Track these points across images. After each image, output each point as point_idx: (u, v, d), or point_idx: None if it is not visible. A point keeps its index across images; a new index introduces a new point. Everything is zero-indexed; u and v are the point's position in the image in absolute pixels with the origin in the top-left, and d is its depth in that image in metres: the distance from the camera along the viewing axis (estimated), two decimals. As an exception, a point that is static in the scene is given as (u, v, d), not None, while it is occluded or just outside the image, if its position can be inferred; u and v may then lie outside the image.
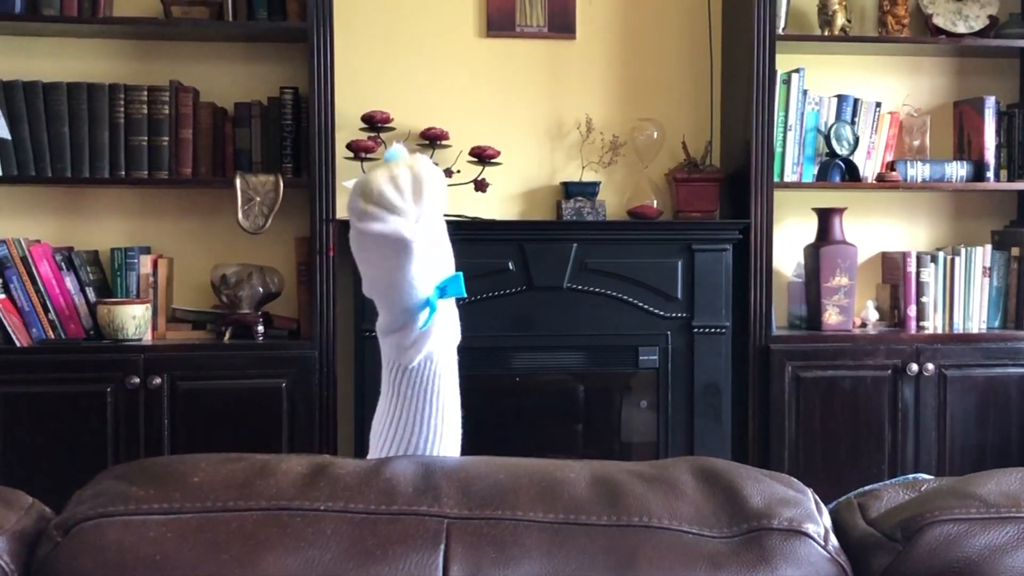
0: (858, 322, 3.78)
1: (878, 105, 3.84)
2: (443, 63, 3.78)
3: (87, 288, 3.43)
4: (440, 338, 1.91)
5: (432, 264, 1.84)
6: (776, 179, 3.65)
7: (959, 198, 4.03)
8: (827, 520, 1.10)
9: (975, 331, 3.79)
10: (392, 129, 3.62)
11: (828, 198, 3.80)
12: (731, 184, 3.76)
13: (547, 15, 3.80)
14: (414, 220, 1.73)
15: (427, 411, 1.92)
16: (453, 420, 1.97)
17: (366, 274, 1.91)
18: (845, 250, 3.68)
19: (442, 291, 1.87)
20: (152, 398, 3.28)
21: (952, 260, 3.80)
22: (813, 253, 3.70)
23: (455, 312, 2.01)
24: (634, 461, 1.26)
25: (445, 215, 1.87)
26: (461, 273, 1.92)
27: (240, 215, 3.39)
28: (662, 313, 3.53)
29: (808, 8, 3.86)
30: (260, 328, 3.43)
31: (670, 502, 1.09)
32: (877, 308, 3.83)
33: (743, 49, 3.66)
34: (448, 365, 1.96)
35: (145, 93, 3.43)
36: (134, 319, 3.33)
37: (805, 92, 3.73)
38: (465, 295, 1.92)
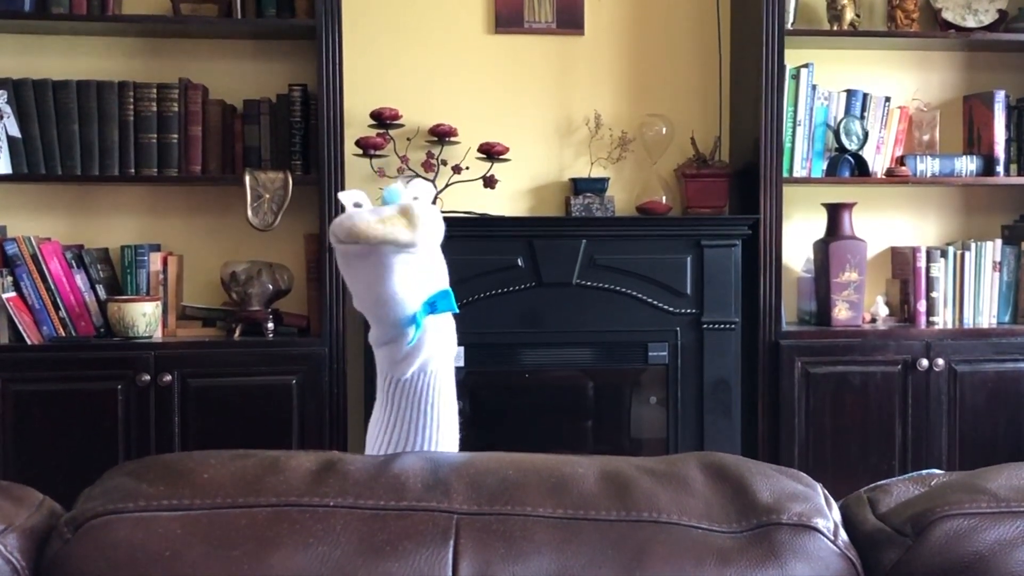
0: (868, 317, 3.77)
1: (887, 100, 3.83)
2: (452, 59, 3.78)
3: (97, 286, 3.44)
4: (434, 351, 1.92)
5: (418, 281, 1.87)
6: (785, 174, 3.64)
7: (969, 193, 4.02)
8: (837, 515, 1.10)
9: (985, 326, 3.78)
10: (401, 126, 3.62)
11: (837, 193, 3.79)
12: (740, 180, 3.75)
13: (555, 11, 3.80)
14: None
15: (421, 422, 1.94)
16: (449, 431, 1.98)
17: (354, 289, 1.95)
18: (854, 245, 3.67)
19: (432, 307, 1.90)
20: (162, 395, 3.28)
21: (962, 255, 3.79)
22: (822, 248, 3.69)
23: (452, 325, 2.02)
24: (643, 457, 1.26)
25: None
26: (450, 289, 1.94)
27: (249, 212, 3.39)
28: (671, 309, 3.52)
29: (817, 3, 3.85)
30: (270, 325, 3.43)
31: (679, 497, 1.08)
32: (887, 303, 3.82)
33: (752, 44, 3.65)
34: (444, 377, 1.97)
35: (154, 91, 3.44)
36: (144, 316, 3.34)
37: (814, 87, 3.72)
38: (456, 310, 1.95)
